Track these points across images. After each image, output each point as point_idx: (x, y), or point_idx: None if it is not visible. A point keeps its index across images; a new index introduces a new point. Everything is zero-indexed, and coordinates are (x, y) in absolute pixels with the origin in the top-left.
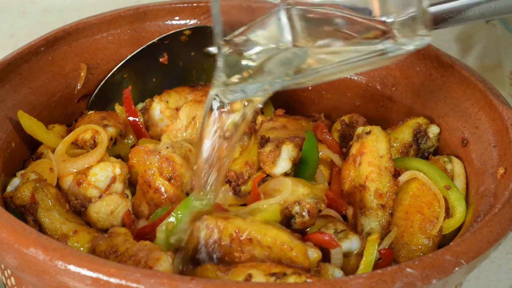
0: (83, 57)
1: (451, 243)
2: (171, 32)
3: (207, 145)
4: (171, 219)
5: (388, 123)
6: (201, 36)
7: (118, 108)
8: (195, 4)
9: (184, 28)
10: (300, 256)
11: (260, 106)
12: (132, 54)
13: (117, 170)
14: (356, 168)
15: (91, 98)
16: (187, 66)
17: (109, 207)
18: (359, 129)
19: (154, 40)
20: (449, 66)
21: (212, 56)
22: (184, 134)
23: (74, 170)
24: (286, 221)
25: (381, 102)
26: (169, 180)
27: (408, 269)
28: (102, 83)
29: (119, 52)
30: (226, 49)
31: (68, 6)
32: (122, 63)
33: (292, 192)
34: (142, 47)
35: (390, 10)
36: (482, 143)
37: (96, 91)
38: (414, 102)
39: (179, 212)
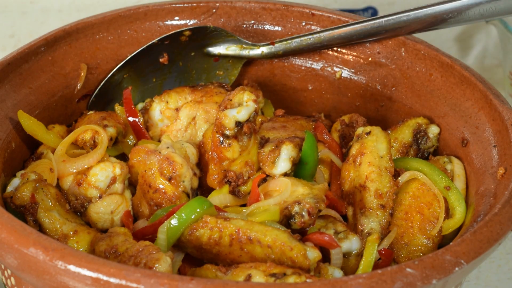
0: (83, 57)
1: (451, 243)
2: (171, 32)
3: None
4: (174, 221)
5: (388, 123)
6: (201, 36)
7: (118, 108)
8: (195, 4)
9: (184, 29)
10: (300, 256)
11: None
12: (132, 54)
13: (117, 171)
14: (356, 168)
15: (91, 98)
16: (187, 66)
17: (109, 207)
18: (359, 130)
19: (154, 41)
20: (449, 66)
21: (212, 56)
22: (184, 135)
23: (74, 171)
24: (286, 221)
25: (381, 102)
26: (169, 180)
27: (408, 269)
28: (102, 83)
29: (119, 52)
30: None
31: (68, 6)
32: (122, 63)
33: (292, 192)
34: (142, 48)
35: None
36: (482, 143)
37: (96, 91)
38: (414, 102)
39: (182, 214)
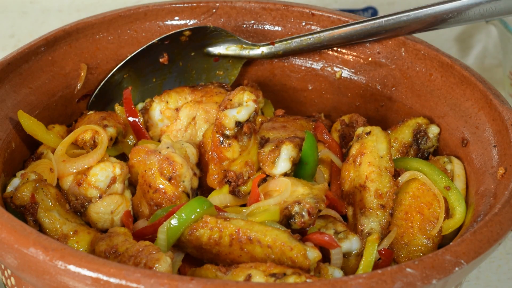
0: (83, 57)
1: (451, 243)
2: (171, 32)
3: None
4: (174, 221)
5: (388, 123)
6: (201, 36)
7: (118, 108)
8: (195, 4)
9: (184, 29)
10: (300, 256)
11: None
12: (132, 54)
13: (117, 171)
14: (356, 168)
15: (91, 98)
16: (187, 66)
17: (109, 207)
18: (359, 130)
19: (154, 41)
20: (449, 66)
21: (212, 56)
22: (184, 135)
23: (74, 171)
24: (286, 221)
25: (381, 102)
26: (169, 180)
27: (408, 269)
28: (102, 84)
29: (119, 52)
30: None
31: (68, 6)
32: (122, 63)
33: (292, 192)
34: (142, 48)
35: None
36: (482, 143)
37: (96, 92)
38: (414, 102)
39: (182, 214)
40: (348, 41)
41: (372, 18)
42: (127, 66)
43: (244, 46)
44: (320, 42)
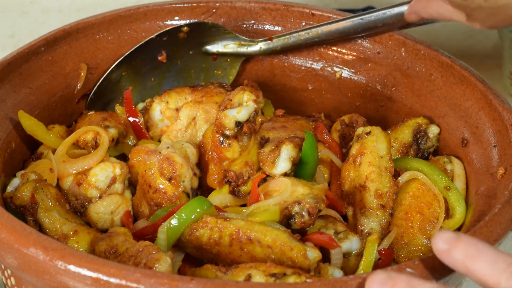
0: (83, 57)
1: None
2: (169, 28)
3: None
4: (174, 221)
5: (388, 123)
6: (199, 32)
7: (118, 108)
8: (195, 4)
9: (183, 24)
10: (300, 256)
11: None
12: (131, 50)
13: (117, 171)
14: (356, 168)
15: (90, 96)
16: (185, 65)
17: (109, 207)
18: (359, 130)
19: (152, 36)
20: (449, 66)
21: (211, 55)
22: (184, 135)
23: (74, 172)
24: (286, 221)
25: (381, 102)
26: (169, 180)
27: (408, 269)
28: (100, 80)
29: (119, 52)
30: None
31: (68, 6)
32: (120, 59)
33: (292, 192)
34: (140, 43)
35: None
36: (482, 143)
37: (94, 89)
38: (414, 102)
39: (182, 214)
40: (346, 36)
41: (369, 11)
42: (125, 63)
43: (242, 43)
44: (318, 37)
